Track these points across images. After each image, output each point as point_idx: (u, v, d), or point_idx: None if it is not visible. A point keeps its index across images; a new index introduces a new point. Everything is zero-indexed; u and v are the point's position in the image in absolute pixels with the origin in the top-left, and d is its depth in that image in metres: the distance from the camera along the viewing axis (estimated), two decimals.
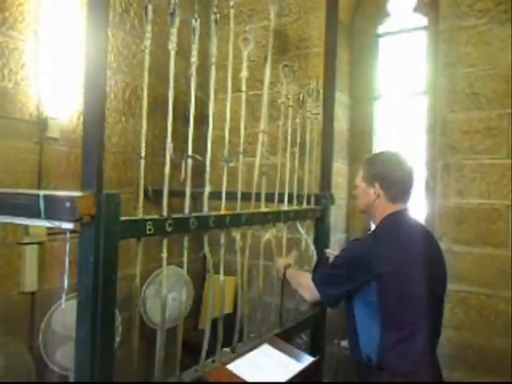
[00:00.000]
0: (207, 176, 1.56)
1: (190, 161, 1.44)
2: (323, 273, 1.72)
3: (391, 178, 1.60)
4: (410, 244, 1.55)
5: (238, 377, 1.52)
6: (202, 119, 1.66)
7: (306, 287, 1.72)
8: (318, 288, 1.64)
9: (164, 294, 1.44)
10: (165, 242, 1.40)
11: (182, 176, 1.41)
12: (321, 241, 2.29)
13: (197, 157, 1.44)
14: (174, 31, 1.33)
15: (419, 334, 1.52)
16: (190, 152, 1.44)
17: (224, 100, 1.65)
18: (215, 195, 1.59)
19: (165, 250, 1.41)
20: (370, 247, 1.55)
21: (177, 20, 1.33)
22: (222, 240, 1.66)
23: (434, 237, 1.76)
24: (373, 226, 1.76)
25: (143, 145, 1.36)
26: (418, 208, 2.86)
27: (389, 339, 1.50)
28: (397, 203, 1.61)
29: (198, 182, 1.58)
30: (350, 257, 1.61)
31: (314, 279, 1.68)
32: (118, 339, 1.83)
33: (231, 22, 1.65)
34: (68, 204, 1.01)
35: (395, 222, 1.60)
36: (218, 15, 1.50)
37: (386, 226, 1.60)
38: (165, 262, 1.42)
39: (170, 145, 1.34)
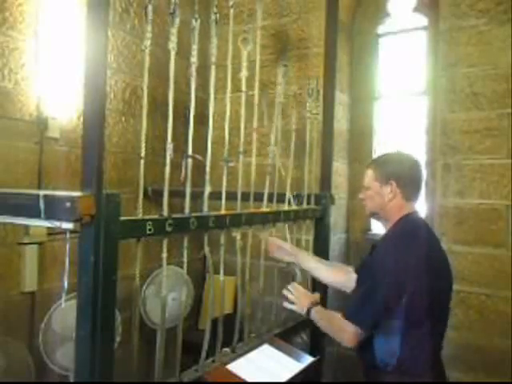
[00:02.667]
0: (207, 176, 1.56)
1: (189, 161, 1.44)
2: (356, 306, 1.51)
3: (407, 176, 1.57)
4: (431, 253, 1.51)
5: (238, 377, 1.52)
6: (202, 119, 1.66)
7: (341, 328, 1.50)
8: (353, 320, 1.45)
9: (164, 294, 1.44)
10: (165, 242, 1.40)
11: (182, 176, 1.41)
12: (321, 241, 2.29)
13: (197, 156, 1.44)
14: (173, 31, 1.33)
15: (435, 339, 1.52)
16: (189, 152, 1.44)
17: (224, 100, 1.66)
18: (215, 195, 1.60)
19: (164, 250, 1.41)
20: (403, 260, 1.44)
21: (177, 20, 1.33)
22: (222, 240, 1.66)
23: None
24: (373, 227, 1.74)
25: (143, 145, 1.36)
26: (417, 208, 2.87)
27: (409, 346, 1.44)
28: (411, 202, 1.59)
29: (198, 182, 1.59)
30: (389, 272, 1.44)
31: (347, 316, 1.48)
32: (117, 339, 1.83)
33: (230, 22, 1.65)
34: (68, 204, 1.01)
35: (415, 227, 1.56)
36: (218, 15, 1.50)
37: (407, 231, 1.54)
38: (165, 262, 1.42)
39: (170, 145, 1.35)
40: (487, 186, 2.41)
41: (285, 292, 1.76)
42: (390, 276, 1.43)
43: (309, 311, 1.66)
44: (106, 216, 1.05)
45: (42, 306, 2.01)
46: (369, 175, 1.63)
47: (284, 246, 1.96)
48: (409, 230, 1.55)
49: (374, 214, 1.65)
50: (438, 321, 1.52)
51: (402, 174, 1.56)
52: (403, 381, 1.46)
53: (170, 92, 1.37)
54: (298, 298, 1.73)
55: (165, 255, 1.42)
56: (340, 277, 1.87)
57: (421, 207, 2.82)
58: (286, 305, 1.75)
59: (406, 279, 1.42)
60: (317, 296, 1.79)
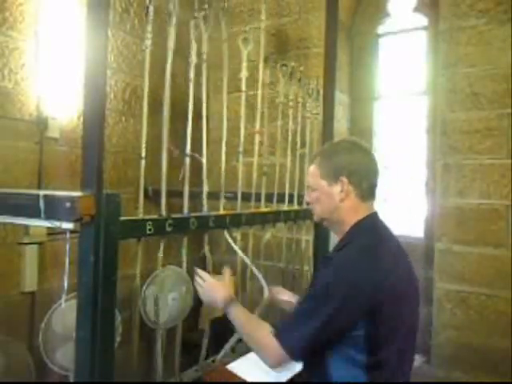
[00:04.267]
0: (204, 176, 1.56)
1: (188, 160, 1.44)
2: (291, 328, 1.16)
3: (361, 169, 1.25)
4: (396, 262, 1.22)
5: (238, 377, 1.52)
6: (202, 119, 1.66)
7: (267, 348, 1.18)
8: (287, 350, 1.14)
9: (156, 294, 1.44)
10: (162, 243, 1.40)
11: (181, 175, 1.41)
12: (321, 241, 2.29)
13: (196, 155, 1.44)
14: (171, 30, 1.33)
15: (404, 369, 1.23)
16: (188, 151, 1.44)
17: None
18: (215, 195, 1.60)
19: (161, 250, 1.41)
20: (353, 276, 1.13)
21: (174, 19, 1.32)
22: (229, 237, 1.65)
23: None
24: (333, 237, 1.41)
25: (143, 145, 1.37)
26: (418, 208, 2.87)
27: (375, 378, 1.15)
28: (367, 201, 1.27)
29: (198, 182, 1.58)
30: (328, 295, 1.13)
31: (278, 337, 1.15)
32: (118, 339, 1.83)
33: (223, 26, 1.65)
34: (68, 204, 1.01)
35: (375, 233, 1.25)
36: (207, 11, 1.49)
37: (366, 240, 1.21)
38: (160, 262, 1.42)
39: (166, 144, 1.34)
40: (487, 186, 2.41)
41: (196, 283, 1.42)
42: (339, 295, 1.11)
43: (227, 305, 1.32)
44: (106, 216, 1.05)
45: (42, 306, 2.00)
46: (313, 172, 1.31)
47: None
48: (368, 237, 1.22)
49: (324, 220, 1.32)
50: (409, 347, 1.24)
51: (353, 168, 1.24)
52: None
53: (166, 90, 1.36)
54: (211, 285, 1.39)
55: (161, 255, 1.42)
56: None
57: (421, 207, 2.84)
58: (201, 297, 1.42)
59: (363, 300, 1.11)
60: (229, 284, 1.45)
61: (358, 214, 1.25)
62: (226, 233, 1.60)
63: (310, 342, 1.14)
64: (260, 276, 1.66)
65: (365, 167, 1.26)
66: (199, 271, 1.43)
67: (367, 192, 1.26)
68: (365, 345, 1.12)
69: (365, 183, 1.25)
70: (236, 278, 1.86)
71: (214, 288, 1.37)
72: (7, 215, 1.14)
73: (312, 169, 1.31)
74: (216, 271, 1.65)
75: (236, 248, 1.65)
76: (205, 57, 1.50)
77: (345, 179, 1.23)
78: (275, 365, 1.21)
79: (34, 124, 2.10)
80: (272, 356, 1.18)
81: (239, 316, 1.30)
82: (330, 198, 1.26)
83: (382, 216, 1.31)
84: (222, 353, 1.66)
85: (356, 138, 1.34)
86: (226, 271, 1.49)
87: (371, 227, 1.25)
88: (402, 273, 1.22)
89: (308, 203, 1.37)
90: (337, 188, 1.24)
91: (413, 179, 2.93)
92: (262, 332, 1.20)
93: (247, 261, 1.68)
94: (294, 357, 1.17)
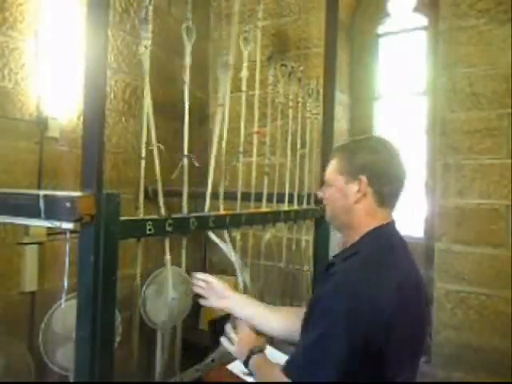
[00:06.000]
0: (211, 174, 1.56)
1: (185, 160, 1.44)
2: (301, 353, 1.05)
3: (385, 172, 1.13)
4: (408, 283, 1.08)
5: (238, 377, 1.52)
6: (202, 119, 1.66)
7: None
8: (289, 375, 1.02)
9: (165, 295, 1.44)
10: (167, 243, 1.40)
11: (174, 175, 1.41)
12: (321, 241, 2.29)
13: (193, 159, 1.43)
14: (148, 27, 1.31)
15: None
16: (185, 151, 1.44)
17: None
18: (215, 195, 1.60)
19: (167, 251, 1.41)
20: (363, 293, 0.99)
21: (150, 14, 1.30)
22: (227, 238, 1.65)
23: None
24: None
25: (143, 145, 1.36)
26: (418, 208, 2.87)
27: None
28: (386, 208, 1.15)
29: (198, 182, 1.59)
30: (333, 319, 0.99)
31: (285, 372, 1.04)
32: (118, 339, 1.83)
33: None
34: (68, 204, 1.01)
35: (390, 246, 1.12)
36: None
37: (380, 253, 1.09)
38: (169, 263, 1.42)
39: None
40: (487, 186, 2.41)
41: (227, 330, 1.31)
42: (353, 319, 0.96)
43: (248, 359, 1.21)
44: (105, 216, 1.05)
45: (42, 306, 2.00)
46: (331, 167, 1.20)
47: (214, 284, 1.38)
48: (382, 251, 1.09)
49: (334, 220, 1.22)
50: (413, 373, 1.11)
51: (376, 169, 1.12)
52: None
53: (146, 88, 1.34)
54: (240, 339, 1.27)
55: (168, 257, 1.42)
56: (294, 323, 1.26)
57: (421, 207, 2.84)
58: (226, 345, 1.30)
59: (377, 324, 0.97)
60: (262, 340, 1.30)
61: (373, 220, 1.13)
62: (210, 233, 1.56)
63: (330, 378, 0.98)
64: (240, 273, 1.65)
65: (390, 171, 1.14)
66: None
67: (388, 198, 1.14)
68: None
69: (387, 188, 1.13)
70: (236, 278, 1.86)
71: (244, 337, 1.27)
72: (7, 215, 1.14)
73: (332, 163, 1.20)
74: (216, 271, 1.65)
75: (222, 246, 1.62)
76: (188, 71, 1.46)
77: (364, 179, 1.11)
78: None
79: (34, 124, 2.10)
80: None
81: (258, 365, 1.20)
82: (345, 196, 1.14)
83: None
84: (222, 353, 1.65)
85: (385, 138, 1.21)
86: (243, 323, 1.32)
87: (385, 240, 1.12)
88: (411, 291, 1.08)
89: (320, 200, 1.27)
90: (353, 187, 1.12)
91: (413, 179, 2.93)
92: (274, 373, 1.08)
93: (234, 258, 1.66)
94: None
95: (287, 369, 1.04)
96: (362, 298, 0.98)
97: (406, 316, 1.03)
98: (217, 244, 1.63)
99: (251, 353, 1.21)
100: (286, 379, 1.02)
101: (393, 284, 1.02)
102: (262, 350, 1.24)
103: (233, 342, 1.28)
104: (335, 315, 0.99)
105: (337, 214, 1.19)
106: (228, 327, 1.31)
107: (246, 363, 1.22)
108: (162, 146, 1.34)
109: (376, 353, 0.98)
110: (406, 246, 1.17)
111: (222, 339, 1.30)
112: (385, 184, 1.13)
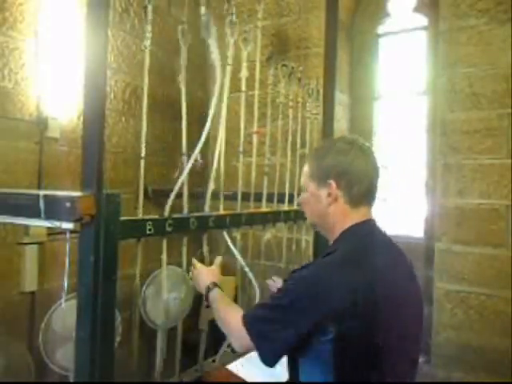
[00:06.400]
0: (213, 174, 1.56)
1: (185, 160, 1.44)
2: (258, 317, 1.11)
3: (352, 173, 1.14)
4: (385, 273, 1.08)
5: (238, 377, 1.52)
6: (202, 119, 1.66)
7: (235, 330, 1.14)
8: (251, 337, 1.08)
9: (165, 296, 1.44)
10: (164, 242, 1.40)
11: (176, 174, 1.41)
12: (321, 241, 2.29)
13: (197, 159, 1.43)
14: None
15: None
16: (184, 150, 1.44)
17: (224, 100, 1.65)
18: (215, 195, 1.60)
19: (164, 251, 1.41)
20: (329, 275, 1.04)
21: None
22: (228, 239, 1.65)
23: (410, 260, 1.22)
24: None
25: (143, 145, 1.37)
26: (418, 208, 2.87)
27: None
28: (360, 207, 1.16)
29: (198, 182, 1.59)
30: (298, 290, 1.06)
31: (244, 321, 1.11)
32: (118, 339, 1.83)
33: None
34: (68, 204, 1.01)
35: (361, 237, 1.14)
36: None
37: (349, 243, 1.12)
38: (164, 263, 1.42)
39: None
40: (487, 186, 2.41)
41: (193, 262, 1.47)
42: (305, 282, 1.06)
43: (209, 289, 1.32)
44: (105, 216, 1.05)
45: (42, 306, 2.00)
46: (304, 172, 1.23)
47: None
48: (357, 249, 1.10)
49: (315, 225, 1.26)
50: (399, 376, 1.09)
51: (343, 170, 1.14)
52: None
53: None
54: (198, 271, 1.42)
55: (164, 256, 1.42)
56: None
57: (421, 207, 2.84)
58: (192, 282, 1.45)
59: (331, 293, 1.01)
60: (217, 271, 1.45)
61: (348, 220, 1.15)
62: (224, 233, 1.60)
63: (280, 350, 1.07)
64: (251, 274, 1.69)
65: (358, 170, 1.14)
66: (194, 261, 1.47)
67: (358, 198, 1.15)
68: (332, 362, 1.01)
69: (356, 188, 1.14)
70: (236, 278, 1.86)
71: (200, 274, 1.40)
72: (7, 215, 1.14)
73: (304, 168, 1.24)
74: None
75: (232, 246, 1.65)
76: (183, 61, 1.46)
77: (333, 182, 1.14)
78: (242, 351, 1.20)
79: (34, 124, 2.10)
80: (240, 343, 1.13)
81: (216, 300, 1.29)
82: (319, 201, 1.17)
83: (381, 217, 1.21)
84: (220, 351, 1.66)
85: (355, 137, 1.22)
86: (218, 258, 1.52)
87: (360, 234, 1.14)
88: (395, 287, 1.09)
89: (299, 204, 1.31)
90: (324, 191, 1.15)
91: (413, 179, 2.93)
92: (234, 316, 1.16)
93: (239, 257, 1.68)
94: (266, 363, 1.09)
95: (246, 318, 1.12)
96: (329, 277, 1.03)
97: (371, 310, 1.02)
98: (216, 244, 1.63)
99: (213, 285, 1.33)
100: (241, 324, 1.11)
101: (353, 284, 1.01)
102: (216, 285, 1.34)
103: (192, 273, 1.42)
104: (299, 286, 1.06)
105: (314, 217, 1.23)
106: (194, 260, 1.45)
107: (207, 292, 1.32)
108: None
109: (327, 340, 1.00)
110: (389, 243, 1.18)
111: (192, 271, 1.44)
112: (353, 184, 1.14)
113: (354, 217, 1.15)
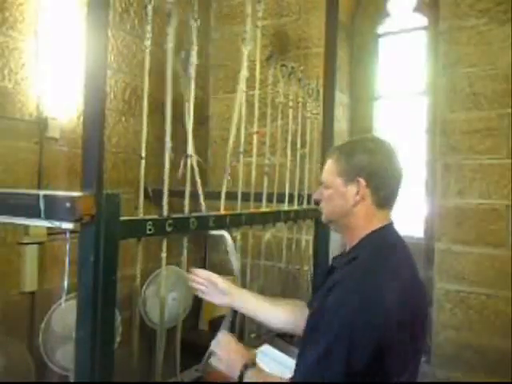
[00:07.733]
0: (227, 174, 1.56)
1: (188, 160, 1.44)
2: (309, 363, 1.02)
3: (382, 173, 1.11)
4: (408, 287, 1.06)
5: None
6: (202, 119, 1.66)
7: None
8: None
9: (163, 295, 1.44)
10: (164, 242, 1.40)
11: (180, 174, 1.41)
12: (321, 241, 2.29)
13: (197, 158, 1.43)
14: (171, 31, 1.32)
15: None
16: (189, 151, 1.44)
17: (224, 100, 1.65)
18: (215, 195, 1.60)
19: (164, 250, 1.41)
20: (374, 298, 0.98)
21: (173, 20, 1.32)
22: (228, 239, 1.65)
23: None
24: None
25: (143, 145, 1.37)
26: (418, 208, 2.87)
27: None
28: (385, 210, 1.14)
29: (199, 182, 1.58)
30: (349, 317, 0.97)
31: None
32: (118, 339, 1.83)
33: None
34: (68, 204, 1.01)
35: (391, 249, 1.11)
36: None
37: (381, 256, 1.08)
38: (164, 262, 1.42)
39: (168, 144, 1.35)
40: (487, 186, 2.41)
41: (212, 346, 1.25)
42: (356, 328, 0.95)
43: (242, 375, 1.14)
44: (105, 216, 1.05)
45: (42, 306, 2.00)
46: (328, 168, 1.18)
47: (215, 279, 1.41)
48: (381, 255, 1.08)
49: (332, 222, 1.20)
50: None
51: (374, 170, 1.11)
52: None
53: (169, 91, 1.36)
54: (228, 357, 1.21)
55: (164, 255, 1.42)
56: (291, 317, 1.37)
57: (421, 207, 2.84)
58: (215, 363, 1.24)
59: (380, 332, 0.96)
60: (253, 353, 1.26)
61: (371, 223, 1.12)
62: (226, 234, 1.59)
63: None
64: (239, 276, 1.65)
65: (387, 172, 1.12)
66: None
67: (386, 200, 1.13)
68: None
69: (384, 190, 1.12)
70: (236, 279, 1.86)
71: (232, 353, 1.21)
72: (7, 215, 1.14)
73: (328, 164, 1.18)
74: (216, 271, 1.65)
75: (230, 249, 1.63)
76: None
77: (363, 181, 1.10)
78: None
79: (34, 124, 2.10)
80: None
81: (256, 380, 1.14)
82: (344, 199, 1.13)
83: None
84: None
85: (381, 138, 1.20)
86: (229, 337, 1.28)
87: (385, 243, 1.11)
88: (412, 293, 1.07)
89: (317, 202, 1.24)
90: (352, 189, 1.11)
91: (413, 179, 2.93)
92: None
93: (234, 263, 1.66)
94: None
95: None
96: (363, 311, 0.96)
97: (408, 319, 1.01)
98: (216, 244, 1.63)
99: (245, 368, 1.15)
100: None
101: (392, 293, 0.99)
102: (255, 363, 1.18)
103: (219, 358, 1.22)
104: (337, 330, 0.97)
105: (335, 216, 1.18)
106: (213, 344, 1.25)
107: (240, 378, 1.15)
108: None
109: (379, 360, 0.96)
110: (405, 247, 1.16)
111: (212, 359, 1.25)
112: (382, 185, 1.12)
113: (378, 220, 1.13)
